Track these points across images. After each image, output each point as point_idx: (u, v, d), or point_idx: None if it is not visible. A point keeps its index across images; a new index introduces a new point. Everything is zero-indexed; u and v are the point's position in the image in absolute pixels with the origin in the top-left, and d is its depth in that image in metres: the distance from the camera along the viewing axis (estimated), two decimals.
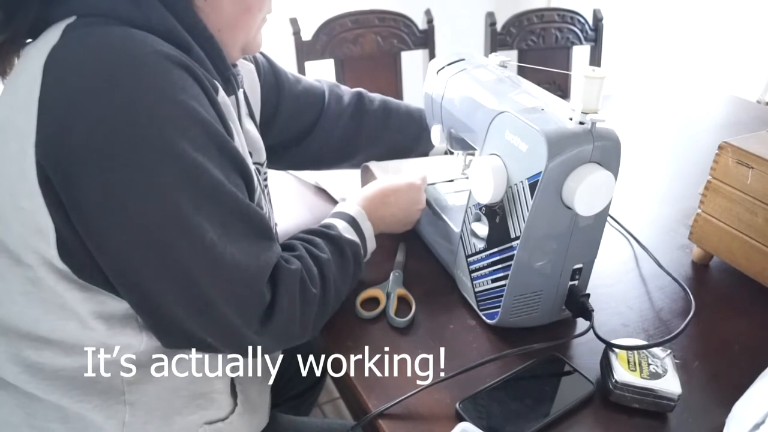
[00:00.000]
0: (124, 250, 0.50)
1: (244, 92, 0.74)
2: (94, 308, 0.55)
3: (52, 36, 0.50)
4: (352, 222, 0.71)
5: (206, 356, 0.62)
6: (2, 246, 0.54)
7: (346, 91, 0.93)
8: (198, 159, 0.50)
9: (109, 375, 0.57)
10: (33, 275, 0.53)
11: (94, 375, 0.57)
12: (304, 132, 0.88)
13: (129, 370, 0.58)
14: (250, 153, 0.70)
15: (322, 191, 1.00)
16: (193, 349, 0.60)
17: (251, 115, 0.76)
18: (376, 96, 0.95)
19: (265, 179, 0.77)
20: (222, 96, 0.58)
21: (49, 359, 0.56)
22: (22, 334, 0.55)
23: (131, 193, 0.48)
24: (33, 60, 0.50)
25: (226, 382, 0.65)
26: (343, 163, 0.94)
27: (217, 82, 0.58)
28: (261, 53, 0.83)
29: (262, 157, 0.74)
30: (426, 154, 0.97)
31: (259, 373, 0.71)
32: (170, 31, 0.53)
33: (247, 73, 0.78)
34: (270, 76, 0.84)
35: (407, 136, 0.94)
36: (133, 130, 0.47)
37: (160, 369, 0.59)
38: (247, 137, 0.69)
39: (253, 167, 0.62)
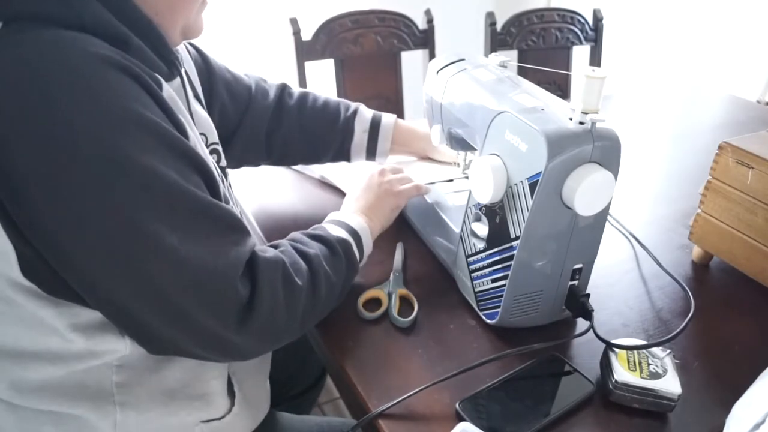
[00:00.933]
0: (88, 266, 0.48)
1: (187, 74, 0.71)
2: (71, 321, 0.53)
3: None
4: (342, 224, 0.70)
5: (196, 361, 0.61)
6: None
7: (272, 85, 0.91)
8: (147, 163, 0.48)
9: (97, 379, 0.56)
10: (3, 295, 0.51)
11: (82, 381, 0.56)
12: (233, 126, 0.86)
13: (118, 373, 0.57)
14: (204, 135, 0.68)
15: (326, 186, 1.00)
16: (180, 357, 0.59)
17: (197, 96, 0.73)
18: (297, 90, 0.93)
19: (219, 158, 0.73)
20: (167, 90, 0.55)
21: (35, 372, 0.55)
22: (5, 352, 0.54)
23: (85, 211, 0.46)
24: None
25: (223, 382, 0.64)
26: (269, 161, 0.92)
27: (159, 76, 0.55)
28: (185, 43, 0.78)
29: (215, 136, 0.72)
30: (347, 150, 0.92)
31: (255, 369, 0.70)
32: (105, 25, 0.50)
33: (183, 53, 0.74)
34: (199, 60, 0.82)
35: (321, 127, 0.91)
36: (76, 147, 0.45)
37: (150, 371, 0.58)
38: (197, 119, 0.67)
39: (210, 158, 0.60)
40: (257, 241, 0.59)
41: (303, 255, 0.61)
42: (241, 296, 0.53)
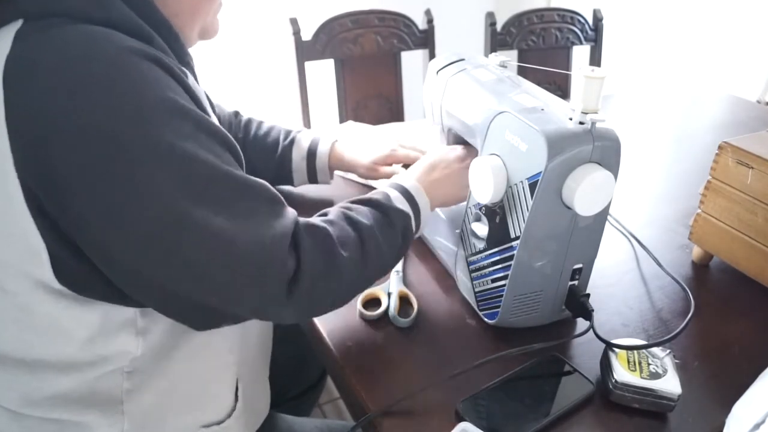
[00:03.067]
0: (136, 258, 0.48)
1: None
2: (92, 321, 0.53)
3: None
4: (406, 193, 0.68)
5: (207, 362, 0.61)
6: None
7: (229, 113, 0.91)
8: (188, 150, 0.48)
9: (108, 386, 0.56)
10: (21, 301, 0.51)
11: (93, 389, 0.56)
12: None
13: (129, 379, 0.57)
14: None
15: (350, 182, 1.00)
16: (191, 357, 0.60)
17: (209, 99, 0.74)
18: (244, 118, 0.91)
19: None
20: (191, 81, 0.56)
21: (47, 381, 0.55)
22: (17, 361, 0.54)
23: (129, 201, 0.46)
24: None
25: (230, 385, 0.64)
26: None
27: (185, 69, 0.56)
28: None
29: None
30: (291, 179, 0.91)
31: (258, 371, 0.71)
32: (130, 23, 0.50)
33: None
34: None
35: (261, 158, 0.89)
36: (117, 136, 0.45)
37: (159, 376, 0.58)
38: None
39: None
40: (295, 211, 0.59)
41: (353, 224, 0.61)
42: (288, 269, 0.53)
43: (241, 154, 0.56)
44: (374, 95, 1.60)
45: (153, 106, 0.47)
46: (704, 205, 0.80)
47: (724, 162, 0.76)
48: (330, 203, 0.92)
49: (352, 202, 0.65)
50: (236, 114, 0.91)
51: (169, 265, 0.49)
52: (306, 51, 1.49)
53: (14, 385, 0.55)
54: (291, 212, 0.57)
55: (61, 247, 0.49)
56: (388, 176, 0.89)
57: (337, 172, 0.99)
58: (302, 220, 0.58)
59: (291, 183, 0.92)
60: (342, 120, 1.57)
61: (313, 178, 0.91)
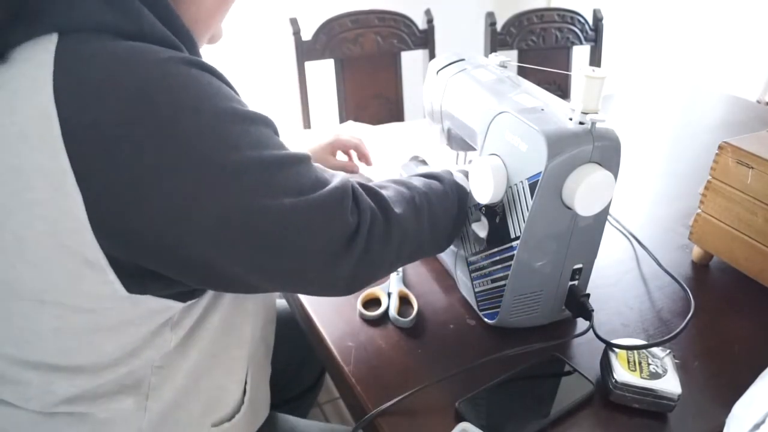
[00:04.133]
0: (208, 256, 0.50)
1: None
2: (134, 320, 0.53)
3: (37, 60, 0.45)
4: (465, 173, 0.69)
5: (221, 357, 0.62)
6: (21, 293, 0.50)
7: None
8: (249, 145, 0.49)
9: (136, 378, 0.57)
10: (61, 312, 0.51)
11: (122, 383, 0.56)
12: None
13: (156, 373, 0.57)
14: None
15: None
16: (208, 350, 0.60)
17: None
18: None
19: None
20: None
21: (82, 384, 0.55)
22: (52, 367, 0.54)
23: (201, 205, 0.47)
24: (28, 91, 0.44)
25: (241, 383, 0.65)
26: None
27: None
28: None
29: None
30: None
31: (261, 368, 0.71)
32: (161, 36, 0.50)
33: None
34: None
35: None
36: (179, 140, 0.45)
37: (182, 372, 0.59)
38: None
39: None
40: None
41: (407, 187, 0.63)
42: (351, 223, 0.55)
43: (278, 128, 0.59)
44: (374, 95, 1.60)
45: (208, 109, 0.48)
46: (704, 205, 0.80)
47: (724, 162, 0.76)
48: None
49: (412, 175, 0.68)
50: None
51: (239, 258, 0.50)
52: (306, 51, 1.49)
53: (49, 389, 0.55)
54: (341, 175, 0.59)
55: (120, 254, 0.49)
56: (339, 166, 0.94)
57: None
58: (356, 182, 0.59)
59: None
60: (342, 120, 1.57)
61: None
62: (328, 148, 0.93)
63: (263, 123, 0.53)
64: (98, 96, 0.44)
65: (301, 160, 0.55)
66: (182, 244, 0.48)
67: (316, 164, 0.57)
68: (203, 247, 0.49)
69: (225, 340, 0.62)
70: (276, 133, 0.55)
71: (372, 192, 0.59)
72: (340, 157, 0.99)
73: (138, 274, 0.50)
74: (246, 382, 0.66)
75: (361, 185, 0.59)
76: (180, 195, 0.46)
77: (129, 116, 0.44)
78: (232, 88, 0.53)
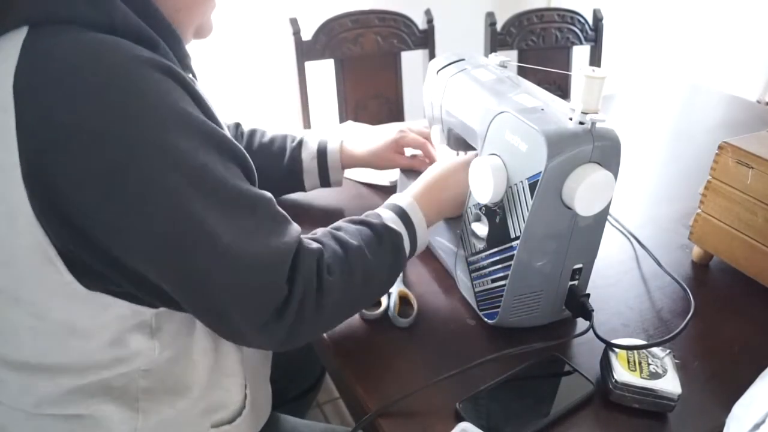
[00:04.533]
0: (143, 263, 0.49)
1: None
2: (108, 324, 0.53)
3: (4, 53, 0.46)
4: (401, 213, 0.66)
5: (218, 361, 0.62)
6: None
7: (229, 125, 0.89)
8: (198, 162, 0.48)
9: (124, 383, 0.56)
10: (36, 310, 0.51)
11: (109, 384, 0.56)
12: None
13: (145, 377, 0.57)
14: None
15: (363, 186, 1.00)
16: (203, 356, 0.60)
17: None
18: (246, 129, 0.90)
19: None
20: (200, 88, 0.55)
21: (64, 384, 0.55)
22: (33, 366, 0.54)
23: (140, 208, 0.47)
24: None
25: (240, 386, 0.65)
26: None
27: (192, 75, 0.56)
28: None
29: None
30: (301, 181, 0.89)
31: (261, 370, 0.71)
32: (134, 28, 0.50)
33: None
34: None
35: (271, 164, 0.87)
36: (130, 144, 0.45)
37: (174, 376, 0.58)
38: None
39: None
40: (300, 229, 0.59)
41: (343, 246, 0.59)
42: (283, 291, 0.53)
43: (252, 165, 0.56)
44: (374, 95, 1.60)
45: (165, 117, 0.47)
46: (704, 205, 0.80)
47: (724, 162, 0.76)
48: (341, 210, 0.93)
49: (344, 221, 0.64)
50: (237, 126, 0.90)
51: (173, 270, 0.50)
52: (306, 51, 1.49)
53: (32, 389, 0.55)
54: (295, 231, 0.56)
55: (72, 250, 0.49)
56: (407, 164, 0.89)
57: (348, 177, 0.99)
58: (305, 240, 0.57)
59: (302, 187, 0.90)
60: (342, 120, 1.57)
61: (324, 179, 0.89)
62: (393, 146, 0.89)
63: (222, 147, 0.51)
64: (53, 93, 0.44)
65: (256, 200, 0.53)
66: (120, 252, 0.48)
67: (275, 210, 0.55)
68: (137, 258, 0.49)
69: (219, 344, 0.62)
70: (241, 163, 0.53)
71: (311, 256, 0.56)
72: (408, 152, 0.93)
73: (93, 272, 0.50)
74: (245, 386, 0.66)
75: (302, 247, 0.55)
76: (116, 202, 0.46)
77: (80, 116, 0.44)
78: (201, 100, 0.52)
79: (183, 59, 0.58)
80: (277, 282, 0.52)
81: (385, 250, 0.62)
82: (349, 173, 0.98)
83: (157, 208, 0.47)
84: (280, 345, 0.56)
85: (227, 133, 0.54)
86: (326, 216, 0.92)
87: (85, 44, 0.46)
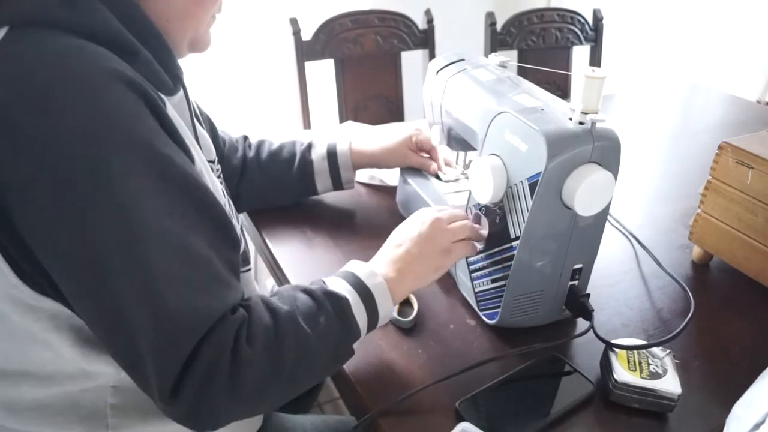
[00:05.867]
0: (59, 276, 0.47)
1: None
2: (66, 335, 0.52)
3: None
4: (353, 280, 0.58)
5: None
6: None
7: (237, 139, 0.89)
8: (130, 190, 0.45)
9: (91, 400, 0.55)
10: None
11: (76, 402, 0.54)
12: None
13: (114, 395, 0.55)
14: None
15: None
16: None
17: (196, 114, 0.68)
18: (255, 140, 0.90)
19: (219, 176, 0.69)
20: (170, 109, 0.54)
21: (27, 392, 0.54)
22: None
23: (61, 219, 0.45)
24: None
25: None
26: (239, 211, 0.87)
27: (163, 95, 0.53)
28: None
29: (212, 154, 0.69)
30: (313, 183, 0.89)
31: None
32: (114, 35, 0.49)
33: None
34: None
35: (282, 169, 0.87)
36: (66, 155, 0.44)
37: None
38: (199, 136, 0.65)
39: (218, 184, 0.59)
40: (245, 293, 0.53)
41: (272, 312, 0.52)
42: (183, 357, 0.46)
43: (222, 198, 0.54)
44: (374, 95, 1.60)
45: (111, 133, 0.45)
46: (704, 205, 0.80)
47: (724, 162, 0.76)
48: (352, 213, 0.93)
49: (284, 287, 0.58)
50: (245, 138, 0.90)
51: (83, 300, 0.48)
52: (306, 51, 1.49)
53: None
54: (228, 298, 0.50)
55: (21, 257, 0.48)
56: (418, 163, 0.89)
57: (359, 180, 0.99)
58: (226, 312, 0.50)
59: (315, 190, 0.90)
60: (342, 120, 1.57)
61: (336, 180, 0.89)
62: (407, 143, 0.89)
63: (167, 174, 0.48)
64: (9, 91, 0.44)
65: (194, 254, 0.48)
66: (46, 264, 0.47)
67: (218, 271, 0.49)
68: (55, 273, 0.47)
69: None
70: (196, 195, 0.50)
71: (231, 324, 0.49)
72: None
73: (34, 275, 0.49)
74: None
75: (225, 315, 0.49)
76: (46, 211, 0.45)
77: (30, 118, 0.44)
78: (166, 122, 0.50)
79: (172, 70, 0.56)
80: (182, 344, 0.46)
81: (327, 317, 0.54)
82: (360, 177, 0.99)
83: (74, 222, 0.45)
84: (185, 417, 0.48)
85: (198, 167, 0.51)
86: (335, 220, 0.92)
87: (51, 48, 0.45)
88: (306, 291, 0.56)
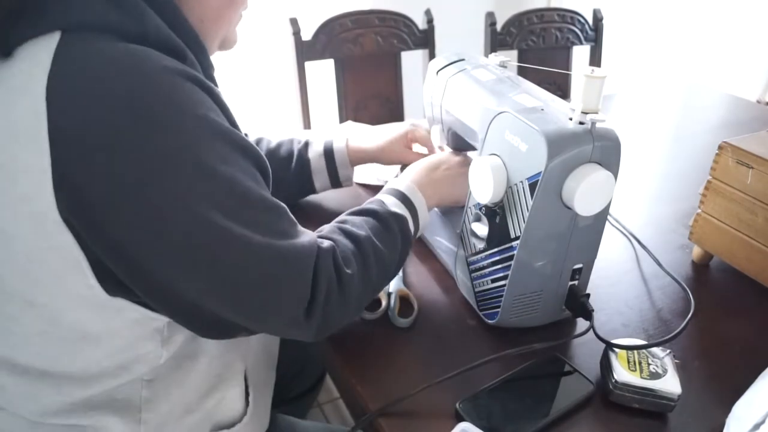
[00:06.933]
0: (169, 273, 0.49)
1: None
2: (122, 330, 0.53)
3: (37, 58, 0.45)
4: (401, 196, 0.69)
5: (220, 370, 0.62)
6: (10, 293, 0.50)
7: None
8: (226, 171, 0.49)
9: (127, 393, 0.56)
10: (50, 314, 0.51)
11: (112, 396, 0.56)
12: None
13: (148, 388, 0.57)
14: None
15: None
16: (206, 365, 0.60)
17: None
18: (252, 138, 0.90)
19: None
20: (224, 98, 0.56)
21: (68, 394, 0.55)
22: (39, 373, 0.54)
23: (167, 217, 0.47)
24: (24, 88, 0.45)
25: (241, 391, 0.64)
26: None
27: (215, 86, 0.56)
28: None
29: None
30: (311, 181, 0.90)
31: (265, 376, 0.70)
32: (165, 39, 0.50)
33: None
34: None
35: (280, 167, 0.87)
36: (158, 154, 0.46)
37: (176, 384, 0.58)
38: None
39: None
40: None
41: (353, 239, 0.62)
42: (308, 291, 0.55)
43: (270, 173, 0.57)
44: (374, 95, 1.60)
45: (194, 127, 0.48)
46: (704, 205, 0.80)
47: (724, 162, 0.76)
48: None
49: (348, 214, 0.66)
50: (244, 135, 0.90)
51: (201, 281, 0.50)
52: (306, 51, 1.49)
53: (36, 396, 0.54)
54: (311, 234, 0.58)
55: (100, 256, 0.48)
56: (413, 159, 0.89)
57: (360, 181, 0.99)
58: (318, 240, 0.59)
59: (313, 188, 0.90)
60: (342, 120, 1.57)
61: (334, 177, 0.90)
62: (403, 139, 0.90)
63: (248, 155, 0.53)
64: (86, 100, 0.44)
65: (277, 207, 0.55)
66: (145, 261, 0.48)
67: (291, 217, 0.57)
68: (166, 266, 0.49)
69: (225, 354, 0.62)
70: (263, 171, 0.55)
71: (327, 255, 0.58)
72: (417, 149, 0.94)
73: (116, 279, 0.50)
74: (248, 394, 0.66)
75: (319, 248, 0.57)
76: (148, 211, 0.46)
77: (113, 126, 0.45)
78: (226, 109, 0.53)
79: (207, 70, 0.58)
80: (304, 280, 0.55)
81: (393, 234, 0.65)
82: (358, 176, 0.98)
83: (183, 215, 0.47)
84: (313, 337, 0.59)
85: (250, 140, 0.55)
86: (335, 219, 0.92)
87: (116, 54, 0.46)
88: (373, 214, 0.66)
